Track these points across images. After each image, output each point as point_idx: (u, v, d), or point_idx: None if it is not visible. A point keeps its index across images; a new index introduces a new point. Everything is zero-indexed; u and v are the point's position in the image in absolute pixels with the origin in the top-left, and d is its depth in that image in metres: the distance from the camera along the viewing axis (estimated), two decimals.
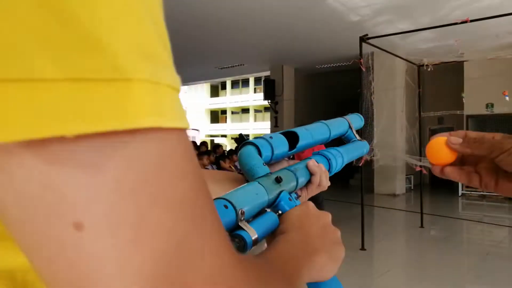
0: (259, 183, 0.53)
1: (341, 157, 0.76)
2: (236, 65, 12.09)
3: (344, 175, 12.01)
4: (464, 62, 9.73)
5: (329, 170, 0.72)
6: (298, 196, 0.62)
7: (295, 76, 12.30)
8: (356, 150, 0.83)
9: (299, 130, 0.68)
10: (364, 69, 5.02)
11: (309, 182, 0.66)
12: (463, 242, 6.38)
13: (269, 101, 12.01)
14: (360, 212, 5.59)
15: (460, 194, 10.35)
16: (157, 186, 0.22)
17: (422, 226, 6.75)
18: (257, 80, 31.06)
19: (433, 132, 13.15)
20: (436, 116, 10.19)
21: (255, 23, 7.74)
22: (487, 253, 5.40)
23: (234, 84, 35.15)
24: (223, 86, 36.14)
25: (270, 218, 0.50)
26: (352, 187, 11.71)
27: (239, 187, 0.51)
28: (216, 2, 6.59)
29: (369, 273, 4.77)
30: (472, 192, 10.27)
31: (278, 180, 0.55)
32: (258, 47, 9.72)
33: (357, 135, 0.85)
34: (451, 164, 0.57)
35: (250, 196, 0.49)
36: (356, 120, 0.88)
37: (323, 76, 13.03)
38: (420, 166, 6.52)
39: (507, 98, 7.47)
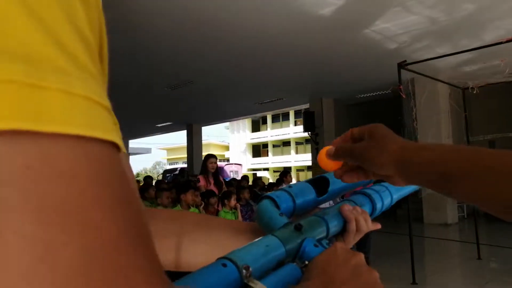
0: (272, 234, 0.49)
1: (389, 194, 0.68)
2: (275, 100, 12.27)
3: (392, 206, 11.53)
4: None
5: (372, 212, 0.64)
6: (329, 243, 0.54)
7: (334, 106, 12.27)
8: (407, 187, 0.72)
9: (330, 175, 0.62)
10: (404, 96, 4.94)
11: (345, 229, 0.60)
12: None
13: (309, 132, 12.00)
14: (409, 244, 5.33)
15: None
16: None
17: (479, 258, 6.31)
18: (297, 113, 31.20)
19: None
20: (487, 139, 9.72)
21: (293, 57, 7.89)
22: None
23: (275, 118, 35.48)
24: (264, 121, 36.56)
25: (287, 269, 0.46)
26: (399, 217, 11.20)
27: (247, 244, 0.47)
28: (254, 38, 6.82)
29: None
30: None
31: (298, 228, 0.51)
32: (297, 80, 9.85)
33: None
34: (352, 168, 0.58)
35: (258, 250, 0.45)
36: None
37: (363, 105, 12.91)
38: None
39: None
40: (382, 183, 0.69)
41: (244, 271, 0.40)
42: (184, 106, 12.56)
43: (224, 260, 0.40)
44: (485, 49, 4.94)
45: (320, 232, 0.54)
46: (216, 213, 5.24)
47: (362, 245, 5.27)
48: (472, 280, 5.56)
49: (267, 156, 36.95)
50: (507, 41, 4.14)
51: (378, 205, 0.65)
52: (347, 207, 0.60)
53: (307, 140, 28.57)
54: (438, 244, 7.93)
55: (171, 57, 7.63)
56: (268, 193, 0.59)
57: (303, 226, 0.52)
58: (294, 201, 0.59)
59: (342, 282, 0.42)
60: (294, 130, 33.39)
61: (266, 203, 0.58)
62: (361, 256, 0.47)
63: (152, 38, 6.75)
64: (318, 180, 0.63)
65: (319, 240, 0.51)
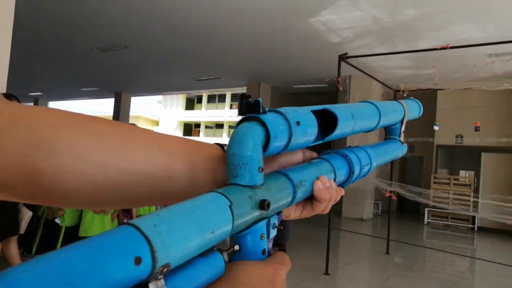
0: (230, 208, 0.32)
1: (369, 163, 0.54)
2: (212, 78, 11.93)
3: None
4: (438, 93, 9.97)
5: (346, 180, 0.51)
6: (276, 225, 0.40)
7: (272, 93, 12.27)
8: (390, 153, 0.61)
9: (339, 110, 0.46)
10: (341, 89, 4.95)
11: (308, 202, 0.46)
12: (427, 271, 6.32)
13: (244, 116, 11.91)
14: (327, 235, 5.44)
15: (425, 223, 10.42)
16: None
17: (387, 253, 6.66)
18: (233, 97, 31.07)
19: (404, 160, 13.39)
20: (408, 143, 10.33)
21: (235, 37, 7.63)
22: (452, 283, 5.34)
23: (211, 99, 35.03)
24: (199, 100, 35.96)
25: (210, 266, 0.31)
26: None
27: (189, 204, 0.30)
28: (194, 9, 6.44)
29: None
30: (437, 222, 10.37)
31: (263, 207, 0.35)
32: (236, 61, 9.61)
33: (403, 132, 0.64)
34: None
35: (198, 236, 0.28)
36: (413, 108, 0.66)
37: (298, 96, 13.07)
38: (390, 192, 6.47)
39: (478, 129, 7.62)
40: (366, 148, 0.55)
41: (159, 271, 0.25)
42: (114, 72, 11.75)
43: (142, 249, 0.24)
44: (420, 57, 5.16)
45: (282, 205, 0.39)
46: None
47: (280, 235, 5.28)
48: (378, 273, 5.84)
49: (198, 136, 36.48)
50: (442, 48, 4.27)
51: (355, 174, 0.51)
52: (321, 184, 0.44)
53: None
54: (352, 237, 8.28)
55: (102, 15, 6.96)
56: (263, 116, 0.37)
57: (270, 204, 0.36)
58: (289, 140, 0.39)
59: None
60: (229, 113, 33.26)
61: (256, 131, 0.37)
62: None
63: None
64: (322, 113, 0.45)
65: (269, 219, 0.38)
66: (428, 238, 8.97)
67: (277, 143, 0.38)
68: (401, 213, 12.14)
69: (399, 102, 0.62)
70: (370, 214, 10.72)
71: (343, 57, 4.69)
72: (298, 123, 0.40)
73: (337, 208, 9.66)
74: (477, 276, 6.15)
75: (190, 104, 37.06)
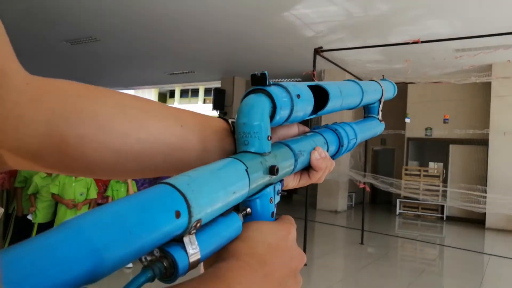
0: (247, 171, 0.35)
1: (355, 138, 0.57)
2: (186, 72, 11.81)
3: (287, 190, 12.03)
4: (408, 86, 10.24)
5: (335, 154, 0.55)
6: (280, 191, 0.43)
7: (246, 87, 12.26)
8: (371, 130, 0.64)
9: (330, 87, 0.49)
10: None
11: (304, 172, 0.49)
12: (400, 259, 6.53)
13: (218, 111, 11.86)
14: (303, 227, 5.53)
15: (397, 213, 10.72)
16: None
17: (362, 243, 6.83)
18: (207, 91, 30.81)
19: (376, 153, 13.70)
20: (380, 137, 10.59)
21: (209, 30, 7.57)
22: (422, 270, 5.54)
23: (184, 93, 34.63)
24: (172, 94, 35.47)
25: (231, 226, 0.34)
26: (295, 202, 11.75)
27: (213, 167, 0.32)
28: (166, 2, 6.35)
29: None
30: (408, 212, 10.69)
31: (273, 172, 0.38)
32: (210, 55, 9.54)
33: (381, 111, 0.67)
34: None
35: (223, 195, 0.31)
36: (389, 89, 0.68)
37: None
38: (364, 183, 6.62)
39: (446, 121, 7.89)
40: (351, 124, 0.58)
41: (193, 225, 0.28)
42: (84, 65, 11.44)
43: (180, 204, 0.27)
44: (392, 51, 5.28)
45: (286, 173, 0.42)
46: (106, 186, 4.83)
47: None
48: (354, 262, 5.99)
49: None
50: (413, 42, 4.39)
51: (344, 147, 0.55)
52: (318, 154, 0.47)
53: None
54: (327, 229, 8.43)
55: (71, 5, 6.75)
56: (269, 89, 0.40)
57: (279, 169, 0.38)
58: (291, 114, 0.42)
59: (279, 283, 0.34)
60: (202, 108, 33.02)
61: (265, 103, 0.39)
62: (304, 259, 0.40)
63: None
64: (314, 89, 0.48)
65: (275, 186, 0.40)
66: (400, 228, 9.25)
67: (282, 114, 0.41)
68: (374, 204, 12.45)
69: (377, 82, 0.65)
70: (344, 206, 10.93)
71: (318, 51, 4.75)
72: (298, 96, 0.43)
73: (312, 201, 9.80)
74: (445, 262, 6.40)
75: (163, 99, 36.53)
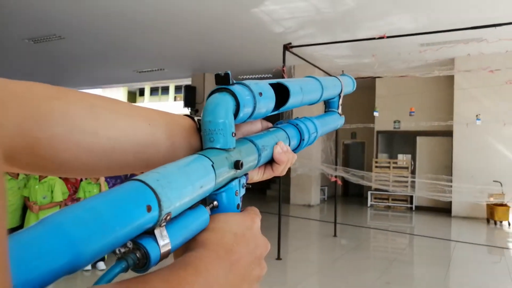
0: (213, 166, 0.37)
1: (316, 132, 0.60)
2: (156, 70, 11.63)
3: (261, 185, 12.11)
4: (376, 81, 10.48)
5: (297, 148, 0.57)
6: (245, 184, 0.45)
7: (216, 84, 12.19)
8: (331, 123, 0.67)
9: (290, 84, 0.51)
10: (286, 77, 5.05)
11: (268, 165, 0.51)
12: (372, 249, 6.70)
13: (189, 108, 11.75)
14: (277, 222, 5.58)
15: (369, 205, 10.98)
16: None
17: (335, 235, 6.96)
18: (177, 89, 30.47)
19: (347, 146, 13.95)
20: (350, 130, 10.80)
21: (177, 25, 7.48)
22: (394, 259, 5.70)
23: (153, 91, 34.11)
24: (141, 93, 34.87)
25: (199, 218, 0.36)
26: (269, 198, 11.83)
27: (181, 164, 0.34)
28: (135, 1, 6.23)
29: (284, 282, 4.72)
30: (379, 203, 10.97)
31: (238, 167, 0.40)
32: (180, 51, 9.44)
33: (341, 105, 0.70)
34: None
35: (191, 190, 0.33)
36: (348, 84, 0.71)
37: None
38: (335, 177, 6.74)
39: (412, 114, 8.14)
40: (312, 119, 0.61)
41: (163, 218, 0.30)
42: (49, 64, 11.07)
43: (149, 198, 0.29)
44: (360, 46, 5.40)
45: (250, 167, 0.45)
46: (78, 185, 4.72)
47: None
48: (327, 254, 6.10)
49: None
50: (379, 38, 4.50)
51: (305, 141, 0.58)
52: (280, 148, 0.50)
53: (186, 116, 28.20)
54: (301, 223, 8.54)
55: (34, 2, 6.51)
56: (232, 87, 0.42)
57: (243, 164, 0.41)
58: (254, 111, 0.44)
59: (241, 273, 0.36)
60: (173, 106, 32.64)
61: (228, 102, 0.41)
62: (268, 246, 0.42)
63: None
64: (276, 87, 0.50)
65: (239, 180, 0.43)
66: (372, 220, 9.48)
67: (245, 111, 0.42)
68: (346, 197, 12.70)
69: (336, 77, 0.68)
70: (317, 200, 11.10)
71: (287, 47, 4.78)
72: (260, 94, 0.45)
73: (285, 196, 9.89)
74: (415, 250, 6.62)
75: (132, 98, 35.84)
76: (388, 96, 10.59)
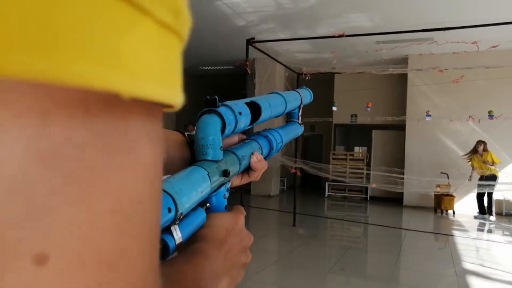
0: (208, 175, 0.45)
1: (282, 141, 0.69)
2: None
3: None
4: (335, 76, 10.79)
5: (267, 156, 0.66)
6: (229, 188, 0.55)
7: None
8: (293, 132, 0.76)
9: (261, 102, 0.60)
10: (249, 71, 5.15)
11: (245, 172, 0.60)
12: (329, 238, 6.98)
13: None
14: None
15: (326, 196, 11.36)
16: (144, 208, 0.16)
17: (294, 225, 7.19)
18: None
19: (306, 139, 14.27)
20: (310, 123, 11.09)
21: None
22: (349, 247, 6.00)
23: None
24: None
25: (199, 217, 0.45)
26: (230, 188, 11.92)
27: (185, 174, 0.42)
28: None
29: (245, 272, 4.85)
30: (336, 194, 11.37)
31: (226, 175, 0.48)
32: None
33: (300, 116, 0.79)
34: None
35: (195, 195, 0.41)
36: (306, 96, 0.80)
37: (207, 77, 13.07)
38: (295, 168, 6.94)
39: (368, 109, 8.49)
40: (278, 130, 0.71)
41: (178, 217, 0.38)
42: None
43: (170, 201, 0.37)
44: (320, 42, 5.58)
45: (233, 174, 0.53)
46: None
47: None
48: (287, 244, 6.30)
49: None
50: (339, 36, 4.68)
51: (274, 149, 0.67)
52: (256, 158, 0.59)
53: None
54: (261, 213, 8.72)
55: None
56: (218, 109, 0.50)
57: (230, 172, 0.49)
58: (235, 127, 0.53)
59: (232, 260, 0.45)
60: None
61: (216, 122, 0.49)
62: (252, 238, 0.50)
63: None
64: (250, 105, 0.58)
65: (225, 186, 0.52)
66: (329, 210, 9.83)
67: (229, 128, 0.51)
68: (305, 188, 13.03)
69: (296, 91, 0.78)
70: (277, 190, 11.33)
71: (250, 42, 4.87)
72: (240, 113, 0.53)
73: (246, 187, 10.04)
74: (369, 239, 6.97)
75: None
76: (346, 91, 10.96)
